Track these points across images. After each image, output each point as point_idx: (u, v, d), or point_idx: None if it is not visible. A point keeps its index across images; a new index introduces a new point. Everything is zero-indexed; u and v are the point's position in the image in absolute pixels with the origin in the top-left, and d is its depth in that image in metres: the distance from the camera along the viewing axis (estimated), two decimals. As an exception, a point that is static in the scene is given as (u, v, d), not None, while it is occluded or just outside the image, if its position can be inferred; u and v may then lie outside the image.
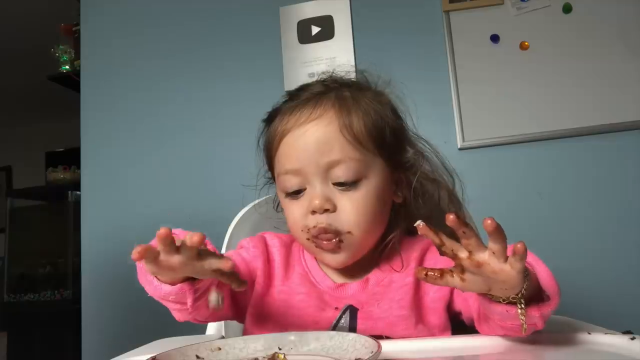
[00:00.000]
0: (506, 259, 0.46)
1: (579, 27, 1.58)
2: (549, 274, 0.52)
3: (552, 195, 1.56)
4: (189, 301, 0.55)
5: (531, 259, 0.53)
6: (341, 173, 0.64)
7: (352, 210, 0.64)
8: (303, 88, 0.71)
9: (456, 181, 0.75)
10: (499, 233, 0.45)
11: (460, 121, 1.61)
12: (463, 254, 0.47)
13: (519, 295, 0.48)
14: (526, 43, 1.60)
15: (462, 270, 0.47)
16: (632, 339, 0.53)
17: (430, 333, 0.66)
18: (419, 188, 0.71)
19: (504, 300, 0.49)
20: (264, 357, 0.52)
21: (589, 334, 0.56)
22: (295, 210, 0.67)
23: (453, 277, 0.48)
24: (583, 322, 0.65)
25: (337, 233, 0.64)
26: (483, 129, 1.60)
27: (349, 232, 0.64)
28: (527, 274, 0.47)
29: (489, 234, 0.45)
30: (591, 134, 1.54)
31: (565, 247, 1.53)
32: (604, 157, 1.55)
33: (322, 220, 0.64)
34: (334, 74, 0.73)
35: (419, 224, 0.46)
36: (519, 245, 0.44)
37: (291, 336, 0.58)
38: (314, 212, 0.64)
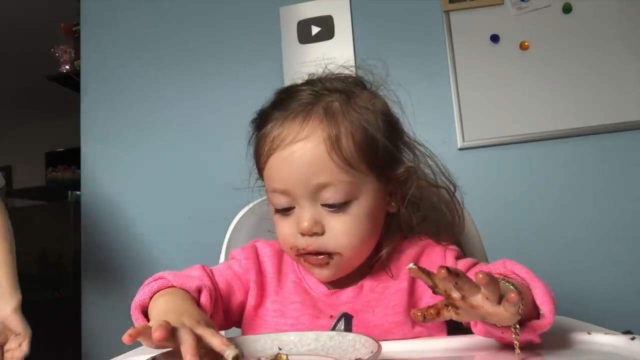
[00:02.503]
0: (500, 300, 0.46)
1: (579, 27, 1.58)
2: (545, 293, 0.51)
3: (552, 195, 1.56)
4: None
5: (527, 276, 0.53)
6: (330, 195, 0.62)
7: (341, 233, 0.63)
8: (291, 94, 0.66)
9: (457, 188, 0.73)
10: (491, 283, 0.45)
11: (460, 121, 1.61)
12: (456, 295, 0.47)
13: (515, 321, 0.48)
14: (526, 43, 1.60)
15: (456, 306, 0.48)
16: (632, 339, 0.52)
17: (427, 334, 0.65)
18: (417, 195, 0.70)
19: (499, 324, 0.49)
20: (265, 357, 0.52)
21: (589, 334, 0.56)
22: (284, 228, 0.66)
23: (449, 311, 0.48)
24: (583, 322, 0.65)
25: (326, 254, 0.64)
26: (483, 129, 1.60)
27: (338, 253, 0.64)
28: (522, 298, 0.47)
29: (482, 287, 0.45)
30: (591, 134, 1.55)
31: (565, 247, 1.53)
32: (604, 157, 1.55)
33: (311, 242, 0.63)
34: (324, 76, 0.70)
35: (411, 267, 0.46)
36: (512, 295, 0.44)
37: (291, 336, 0.58)
38: (303, 234, 0.64)
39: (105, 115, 1.90)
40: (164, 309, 0.56)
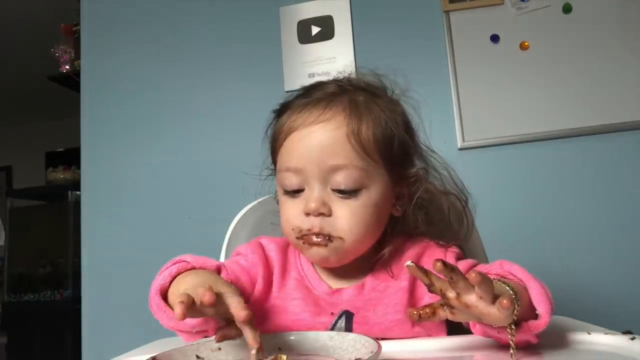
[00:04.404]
0: (494, 301, 0.46)
1: (579, 27, 1.58)
2: (541, 293, 0.51)
3: (552, 195, 1.56)
4: (214, 328, 0.55)
5: (524, 276, 0.54)
6: (342, 179, 0.63)
7: (346, 219, 0.63)
8: (317, 86, 0.69)
9: (469, 199, 0.74)
10: (484, 282, 0.45)
11: (460, 121, 1.61)
12: (451, 294, 0.47)
13: (509, 323, 0.48)
14: (526, 43, 1.60)
15: (451, 305, 0.48)
16: (632, 339, 0.53)
17: (427, 334, 0.66)
18: (425, 203, 0.71)
19: (493, 325, 0.50)
20: (265, 358, 0.51)
21: (589, 334, 0.56)
22: (290, 209, 0.66)
23: (444, 311, 0.48)
24: (583, 322, 0.65)
25: (328, 236, 0.64)
26: (483, 129, 1.60)
27: (340, 238, 0.64)
28: (517, 299, 0.48)
29: (475, 285, 0.46)
30: (591, 134, 1.54)
31: (566, 247, 1.53)
32: (604, 157, 1.55)
33: (316, 223, 0.63)
34: (351, 75, 0.72)
35: (409, 264, 0.47)
36: (504, 302, 0.44)
37: (291, 336, 0.58)
38: (308, 214, 0.64)
39: (105, 115, 1.90)
40: (194, 283, 0.56)
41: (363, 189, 0.64)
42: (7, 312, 3.28)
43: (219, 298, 0.48)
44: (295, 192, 0.66)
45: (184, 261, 0.63)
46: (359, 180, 0.63)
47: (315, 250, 0.65)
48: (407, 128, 0.70)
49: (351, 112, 0.64)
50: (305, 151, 0.64)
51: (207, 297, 0.46)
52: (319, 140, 0.63)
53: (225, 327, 0.50)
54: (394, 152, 0.66)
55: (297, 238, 0.66)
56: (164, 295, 0.59)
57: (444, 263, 0.44)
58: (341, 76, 0.72)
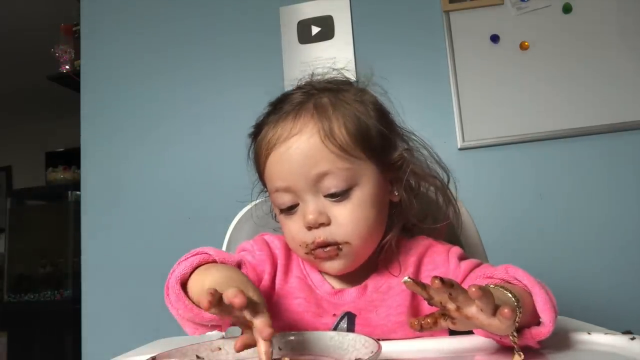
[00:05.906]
0: (494, 312, 0.46)
1: (579, 27, 1.58)
2: (545, 300, 0.51)
3: (552, 195, 1.57)
4: (228, 324, 0.55)
5: (529, 282, 0.53)
6: (331, 184, 0.63)
7: (347, 221, 0.63)
8: (284, 99, 0.69)
9: (450, 175, 0.74)
10: (484, 296, 0.45)
11: (460, 121, 1.61)
12: (452, 306, 0.47)
13: (512, 330, 0.48)
14: (526, 43, 1.60)
15: (452, 316, 0.48)
16: (632, 339, 0.53)
17: (429, 334, 0.65)
18: (414, 185, 0.71)
19: (495, 334, 0.50)
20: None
21: (589, 334, 0.56)
22: (291, 226, 0.66)
23: (446, 320, 0.48)
24: (583, 322, 0.65)
25: (335, 244, 0.64)
26: (483, 129, 1.60)
27: (347, 242, 0.64)
28: (519, 306, 0.48)
29: (476, 299, 0.45)
30: (591, 134, 1.55)
31: (565, 246, 1.53)
32: (604, 157, 1.55)
33: (319, 234, 0.64)
34: (312, 78, 0.72)
35: (406, 280, 0.46)
36: (505, 311, 0.44)
37: (291, 336, 0.58)
38: (310, 228, 0.64)
39: (105, 115, 1.90)
40: (218, 278, 0.55)
41: (354, 187, 0.64)
42: (7, 312, 3.28)
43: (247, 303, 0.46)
44: (291, 209, 0.66)
45: (206, 253, 0.63)
46: (347, 180, 0.63)
47: (329, 265, 0.66)
48: (381, 114, 0.70)
49: (320, 116, 0.64)
50: (287, 168, 0.64)
51: (238, 300, 0.44)
52: (297, 153, 0.63)
53: (246, 335, 0.49)
54: (373, 142, 0.66)
55: (307, 253, 0.66)
56: (183, 286, 0.59)
57: (442, 280, 0.44)
58: (303, 82, 0.72)
